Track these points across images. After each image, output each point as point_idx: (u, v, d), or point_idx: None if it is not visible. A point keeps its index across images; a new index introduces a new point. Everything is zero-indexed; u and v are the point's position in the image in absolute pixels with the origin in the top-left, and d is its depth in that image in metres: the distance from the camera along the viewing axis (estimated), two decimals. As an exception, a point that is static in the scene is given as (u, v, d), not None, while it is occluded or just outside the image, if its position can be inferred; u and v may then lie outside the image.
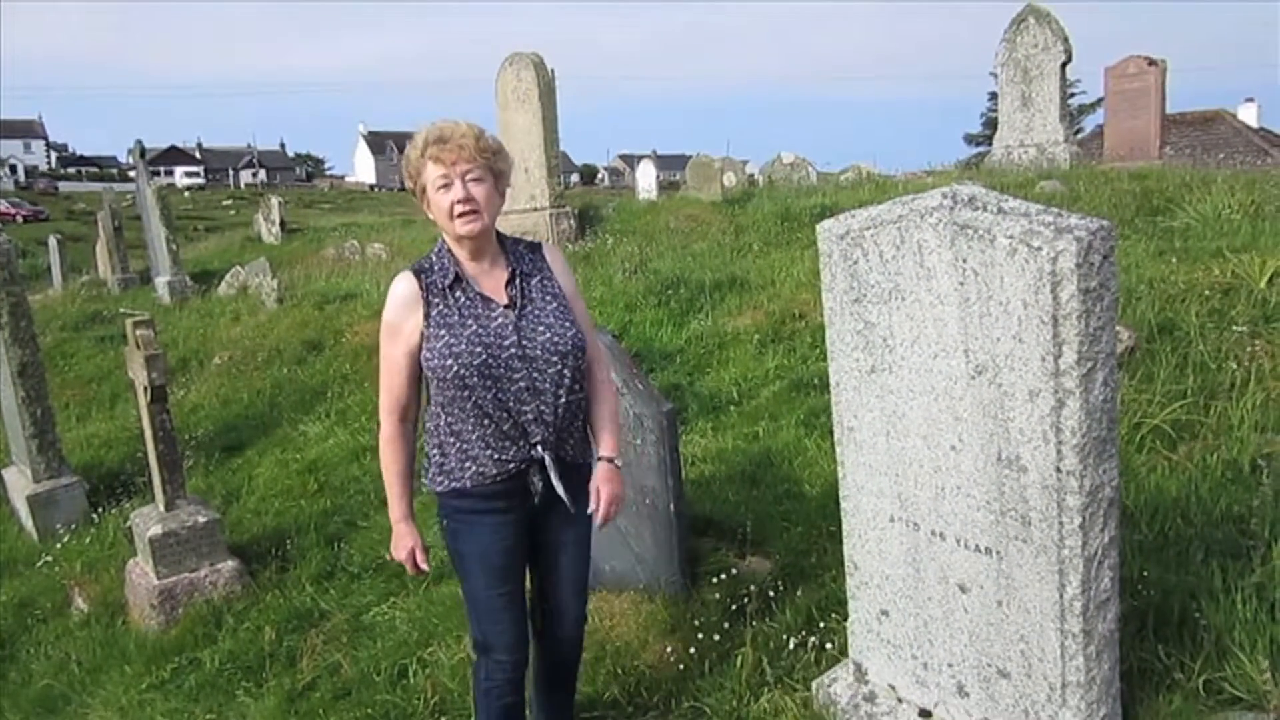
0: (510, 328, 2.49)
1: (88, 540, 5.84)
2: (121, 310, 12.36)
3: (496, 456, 2.50)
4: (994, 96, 23.09)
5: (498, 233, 2.61)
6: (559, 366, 2.51)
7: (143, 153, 15.18)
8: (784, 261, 8.44)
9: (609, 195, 21.81)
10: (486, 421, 2.48)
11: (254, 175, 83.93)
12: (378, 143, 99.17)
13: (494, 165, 2.52)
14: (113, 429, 7.92)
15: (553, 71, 11.56)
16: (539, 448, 2.52)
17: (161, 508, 4.93)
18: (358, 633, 4.16)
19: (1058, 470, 2.19)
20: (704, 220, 11.22)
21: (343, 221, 25.31)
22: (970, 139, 36.87)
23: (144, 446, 4.95)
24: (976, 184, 2.34)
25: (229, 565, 4.89)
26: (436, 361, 2.47)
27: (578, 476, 2.62)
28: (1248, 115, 28.79)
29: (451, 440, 2.53)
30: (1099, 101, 18.59)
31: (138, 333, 4.73)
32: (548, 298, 2.57)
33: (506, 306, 2.52)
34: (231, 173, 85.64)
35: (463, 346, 2.45)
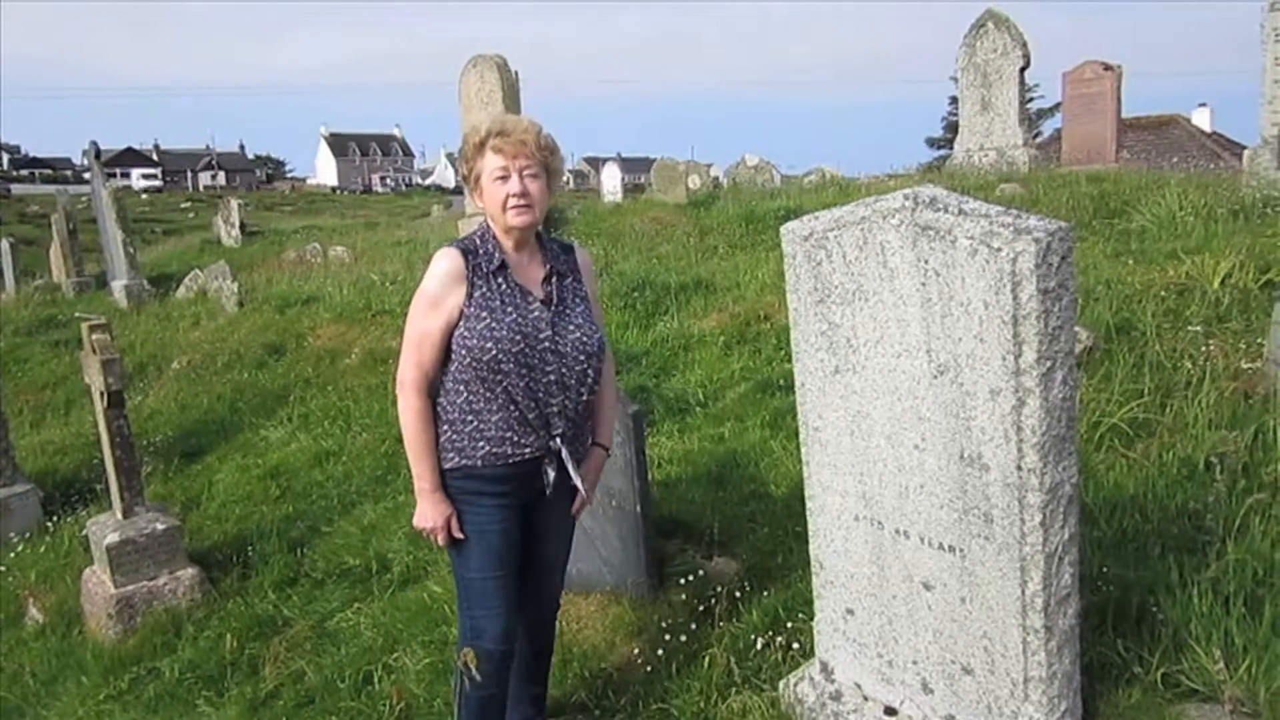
0: (546, 322, 2.57)
1: (42, 549, 5.73)
2: (76, 314, 12.15)
3: (517, 440, 2.56)
4: (954, 101, 23.38)
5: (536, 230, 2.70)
6: (585, 365, 2.61)
7: (98, 154, 14.92)
8: (749, 264, 8.48)
9: (574, 198, 21.82)
10: (512, 407, 2.54)
11: (213, 177, 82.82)
12: (340, 144, 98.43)
13: (550, 163, 2.62)
14: (68, 435, 7.78)
15: (516, 74, 11.55)
16: (558, 439, 2.59)
17: (119, 515, 4.85)
18: (321, 639, 4.12)
19: (1019, 468, 2.22)
20: (669, 223, 11.25)
21: (304, 224, 25.08)
22: (932, 142, 37.27)
23: (100, 453, 4.87)
24: (938, 187, 2.37)
25: (189, 573, 4.82)
26: (475, 343, 2.50)
27: (589, 460, 2.79)
28: (1201, 120, 29.36)
29: (469, 418, 2.56)
30: (1057, 106, 18.89)
31: (94, 337, 4.65)
32: (577, 299, 2.68)
33: (543, 301, 2.60)
34: (190, 175, 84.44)
35: (504, 332, 2.50)
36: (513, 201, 2.53)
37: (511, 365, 2.49)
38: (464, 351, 2.51)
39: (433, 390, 2.61)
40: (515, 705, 2.92)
